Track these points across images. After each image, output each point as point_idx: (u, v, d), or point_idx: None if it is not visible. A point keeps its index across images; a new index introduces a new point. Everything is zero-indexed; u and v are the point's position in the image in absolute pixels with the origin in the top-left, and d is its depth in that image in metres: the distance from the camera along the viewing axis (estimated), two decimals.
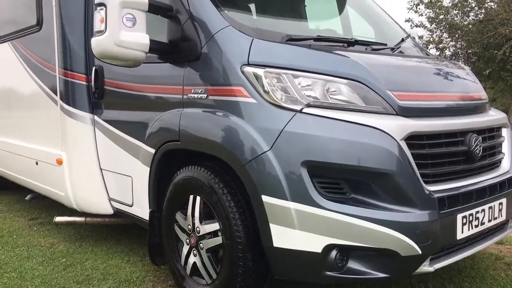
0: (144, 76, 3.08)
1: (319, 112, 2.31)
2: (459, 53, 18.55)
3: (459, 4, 17.25)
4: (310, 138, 2.24)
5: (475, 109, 2.87)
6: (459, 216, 2.41)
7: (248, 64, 2.47)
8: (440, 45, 17.91)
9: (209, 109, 2.59)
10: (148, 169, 3.04)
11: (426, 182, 2.33)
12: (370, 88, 2.39)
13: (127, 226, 3.95)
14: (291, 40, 2.64)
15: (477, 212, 2.53)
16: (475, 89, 3.01)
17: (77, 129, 3.66)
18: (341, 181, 2.26)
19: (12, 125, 4.85)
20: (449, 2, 17.47)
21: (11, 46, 4.56)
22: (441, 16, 17.49)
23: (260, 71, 2.42)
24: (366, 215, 2.17)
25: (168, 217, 2.91)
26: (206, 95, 2.61)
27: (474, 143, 2.57)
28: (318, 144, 2.24)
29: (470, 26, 16.91)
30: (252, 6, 3.11)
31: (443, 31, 17.98)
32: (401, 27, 3.89)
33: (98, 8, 2.52)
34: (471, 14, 17.65)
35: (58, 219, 3.93)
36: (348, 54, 2.60)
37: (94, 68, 3.46)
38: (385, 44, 3.22)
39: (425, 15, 17.82)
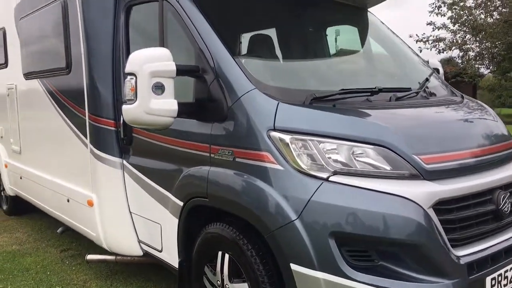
0: (172, 129, 3.14)
1: (345, 180, 2.34)
2: (484, 53, 18.18)
3: (483, 4, 16.90)
4: (337, 209, 2.28)
5: (502, 161, 2.85)
6: (488, 279, 2.41)
7: (274, 129, 2.51)
8: (464, 47, 17.59)
9: (237, 171, 2.64)
10: (177, 220, 3.12)
11: (454, 246, 2.34)
12: (396, 153, 2.40)
13: (157, 264, 4.05)
14: (316, 99, 2.66)
15: (506, 271, 2.52)
16: (502, 138, 2.98)
17: (107, 173, 3.77)
18: (369, 249, 2.29)
19: (42, 158, 5.01)
20: (472, 2, 17.14)
21: (41, 84, 4.71)
22: (464, 17, 17.16)
23: (286, 137, 2.46)
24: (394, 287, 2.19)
25: (197, 269, 2.99)
26: (233, 157, 2.67)
27: (502, 201, 2.57)
28: (345, 215, 2.27)
29: (494, 26, 16.54)
30: (276, 61, 3.15)
31: (466, 32, 17.64)
32: (423, 61, 3.88)
33: (129, 77, 2.60)
34: (495, 13, 17.26)
35: (90, 257, 4.06)
36: (373, 115, 2.61)
37: (122, 116, 3.55)
38: (409, 89, 3.22)
39: (448, 16, 17.54)
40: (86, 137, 3.90)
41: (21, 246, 5.16)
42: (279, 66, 3.17)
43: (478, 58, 18.40)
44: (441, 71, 4.19)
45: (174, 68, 2.61)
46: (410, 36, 17.09)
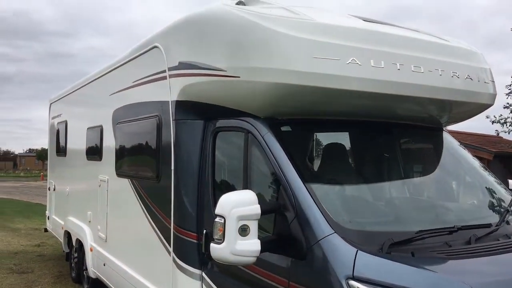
0: None
1: None
2: None
3: None
4: None
5: None
6: None
7: (353, 278, 2.60)
8: None
9: None
10: None
11: None
12: None
13: None
14: (394, 244, 2.74)
15: None
16: None
17: (186, 283, 3.97)
18: None
19: (126, 252, 5.38)
20: None
21: (131, 184, 5.17)
22: None
23: None
24: None
25: None
26: None
27: None
28: None
29: None
30: (354, 198, 3.29)
31: None
32: (502, 185, 3.84)
33: (218, 217, 2.85)
34: None
35: None
36: (453, 268, 2.63)
37: (205, 231, 3.81)
38: (489, 225, 3.20)
39: None
40: (169, 245, 4.18)
41: None
42: (356, 204, 3.30)
43: None
44: None
45: (259, 211, 2.83)
46: (487, 117, 16.50)
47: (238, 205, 2.80)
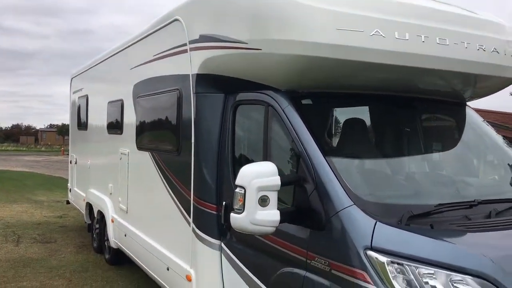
0: None
1: None
2: None
3: None
4: None
5: None
6: None
7: (372, 249, 2.63)
8: None
9: (333, 283, 2.77)
10: None
11: None
12: (496, 287, 2.41)
13: None
14: (413, 217, 2.75)
15: None
16: None
17: (206, 253, 4.07)
18: None
19: (147, 223, 5.50)
20: None
21: (151, 157, 5.25)
22: None
23: (383, 259, 2.57)
24: None
25: None
26: (329, 268, 2.82)
27: None
28: None
29: None
30: (374, 170, 3.29)
31: None
32: None
33: (238, 188, 2.90)
34: None
35: None
36: (472, 240, 2.63)
37: (224, 202, 3.86)
38: (510, 200, 3.18)
39: None
40: (189, 216, 4.27)
41: None
42: (376, 178, 3.30)
43: None
44: None
45: (279, 183, 2.86)
46: (511, 94, 16.18)
47: (259, 176, 2.84)
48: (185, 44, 4.31)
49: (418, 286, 2.46)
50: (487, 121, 4.21)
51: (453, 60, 3.32)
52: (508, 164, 3.78)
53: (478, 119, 4.10)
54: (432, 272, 2.49)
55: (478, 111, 4.24)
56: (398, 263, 2.54)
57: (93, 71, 8.47)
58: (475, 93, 4.09)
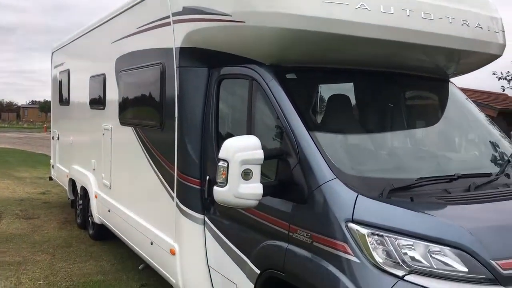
0: None
1: (420, 281, 2.44)
2: None
3: None
4: None
5: None
6: None
7: (353, 221, 2.66)
8: None
9: (314, 255, 2.81)
10: (253, 285, 3.34)
11: None
12: (474, 258, 2.46)
13: None
14: (394, 190, 2.79)
15: None
16: None
17: (189, 227, 4.08)
18: None
19: (130, 198, 5.49)
20: None
21: (135, 132, 5.20)
22: None
23: (364, 231, 2.60)
24: None
25: None
26: (311, 240, 2.85)
27: None
28: None
29: None
30: (356, 145, 3.31)
31: None
32: (505, 137, 3.85)
33: (221, 162, 2.89)
34: None
35: None
36: (451, 213, 2.68)
37: (208, 177, 3.86)
38: (489, 174, 3.24)
39: None
40: (173, 191, 4.26)
41: (105, 276, 5.65)
42: (358, 152, 3.32)
43: None
44: None
45: (262, 156, 2.86)
46: (494, 74, 16.37)
47: (242, 149, 2.84)
48: (168, 17, 4.22)
49: (397, 257, 2.51)
50: (471, 100, 4.25)
51: (437, 35, 3.32)
52: (489, 141, 3.84)
53: (461, 95, 4.13)
54: (411, 243, 2.53)
55: (461, 89, 4.28)
56: (378, 235, 2.58)
57: (74, 45, 8.27)
58: (459, 69, 4.11)
